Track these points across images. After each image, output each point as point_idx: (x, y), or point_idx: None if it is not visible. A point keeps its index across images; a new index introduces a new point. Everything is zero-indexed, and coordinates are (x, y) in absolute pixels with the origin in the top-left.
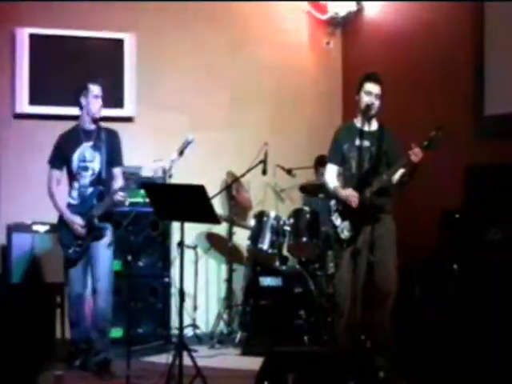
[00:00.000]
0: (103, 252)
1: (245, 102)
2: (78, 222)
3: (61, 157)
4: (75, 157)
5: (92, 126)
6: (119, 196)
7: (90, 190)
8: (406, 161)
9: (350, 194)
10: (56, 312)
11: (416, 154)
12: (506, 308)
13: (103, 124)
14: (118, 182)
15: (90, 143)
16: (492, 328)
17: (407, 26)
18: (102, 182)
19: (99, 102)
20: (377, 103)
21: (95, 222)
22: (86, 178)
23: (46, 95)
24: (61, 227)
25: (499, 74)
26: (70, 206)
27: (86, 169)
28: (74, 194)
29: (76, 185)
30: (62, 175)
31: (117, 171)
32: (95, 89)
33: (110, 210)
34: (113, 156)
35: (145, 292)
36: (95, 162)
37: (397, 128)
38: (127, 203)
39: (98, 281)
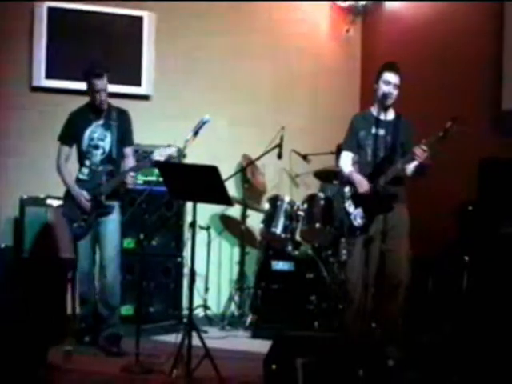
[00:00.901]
0: (110, 228)
1: (263, 87)
2: (84, 195)
3: (71, 134)
4: (86, 135)
5: (103, 100)
6: (129, 176)
7: (101, 168)
8: (410, 157)
9: (361, 181)
10: (67, 287)
11: (419, 154)
12: None
13: (115, 102)
14: (130, 162)
15: (101, 122)
16: (504, 320)
17: (427, 17)
18: (112, 160)
19: (102, 95)
20: (395, 93)
21: (102, 199)
22: (97, 156)
23: (63, 69)
24: (67, 202)
25: None
26: (79, 181)
27: (96, 147)
28: (85, 171)
29: (87, 162)
30: (71, 152)
31: (128, 151)
32: (97, 83)
33: (118, 188)
34: (124, 135)
35: (157, 271)
36: (106, 141)
37: (413, 118)
38: (134, 184)
39: (105, 257)
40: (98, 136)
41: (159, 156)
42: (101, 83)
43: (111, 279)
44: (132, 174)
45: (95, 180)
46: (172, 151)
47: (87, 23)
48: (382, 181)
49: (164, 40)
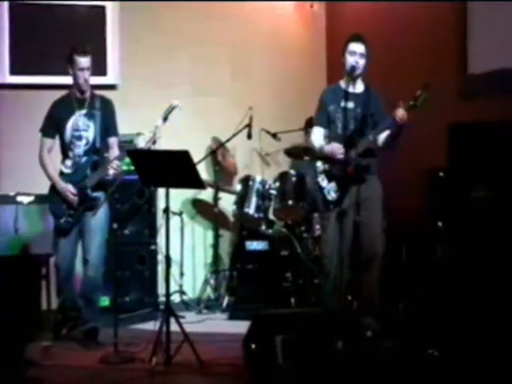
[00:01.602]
0: (96, 222)
1: (230, 66)
2: (70, 190)
3: (53, 125)
4: (68, 125)
5: (85, 94)
6: (114, 166)
7: (84, 159)
8: (390, 121)
9: (335, 147)
10: (41, 284)
11: (401, 116)
12: (492, 264)
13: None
14: (114, 153)
15: (84, 111)
16: (479, 285)
17: None
18: (96, 151)
19: (85, 74)
20: (361, 62)
21: (88, 192)
22: (80, 147)
23: (27, 65)
24: (52, 197)
25: (482, 31)
26: (62, 174)
27: (79, 138)
28: (68, 163)
29: (70, 154)
30: (53, 143)
31: (112, 141)
32: (81, 61)
33: (103, 179)
34: (107, 125)
35: (131, 260)
36: (89, 131)
37: (382, 90)
38: (121, 175)
39: (89, 251)
40: (82, 126)
41: (144, 143)
42: (85, 61)
43: (94, 275)
44: (117, 163)
45: (79, 172)
46: (151, 135)
47: (49, 16)
48: (354, 153)
49: (128, 28)
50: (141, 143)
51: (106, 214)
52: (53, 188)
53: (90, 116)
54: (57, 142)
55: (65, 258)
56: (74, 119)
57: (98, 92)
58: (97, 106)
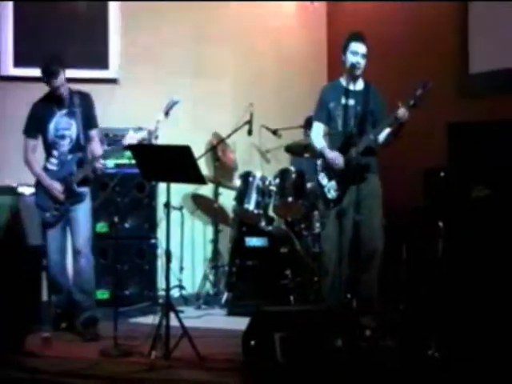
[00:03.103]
0: (82, 213)
1: (230, 63)
2: (56, 187)
3: (35, 127)
4: (51, 127)
5: (64, 94)
6: (99, 163)
7: (70, 156)
8: (392, 120)
9: (336, 157)
10: (42, 275)
11: (402, 115)
12: (492, 264)
13: (83, 87)
14: (95, 145)
15: (64, 111)
16: (478, 284)
17: None
18: (80, 148)
19: (61, 90)
20: (362, 62)
21: (74, 187)
22: (65, 146)
23: (30, 57)
24: (39, 191)
25: (483, 31)
26: (47, 170)
27: (63, 137)
28: (54, 161)
29: (55, 153)
30: (37, 143)
31: (93, 133)
32: (55, 82)
33: (88, 175)
34: (88, 119)
35: (131, 254)
36: (72, 130)
37: (383, 87)
38: (103, 171)
39: (78, 242)
40: (64, 126)
41: (130, 139)
42: (58, 81)
43: (85, 264)
44: (102, 161)
45: (65, 169)
46: (143, 134)
47: (53, 9)
48: (354, 152)
49: (131, 21)
50: (128, 140)
51: (90, 205)
52: (39, 183)
53: (70, 114)
54: (40, 141)
55: (54, 253)
56: (55, 120)
57: (96, 86)
58: (76, 103)
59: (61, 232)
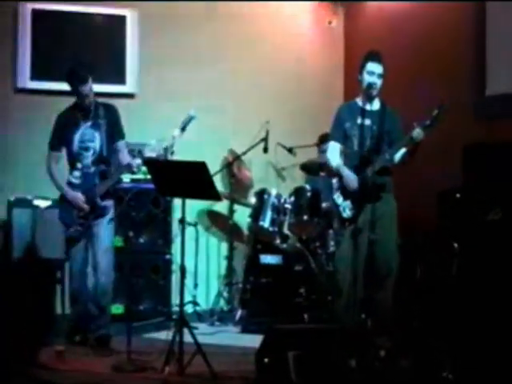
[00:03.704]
0: (104, 228)
1: (247, 81)
2: (80, 197)
3: (60, 140)
4: (75, 138)
5: (89, 106)
6: (134, 167)
7: (93, 169)
8: (407, 140)
9: (350, 176)
10: (56, 288)
11: (417, 134)
12: (507, 287)
13: (101, 100)
14: (123, 156)
15: (89, 123)
16: (493, 307)
17: (410, 4)
18: (103, 160)
19: (90, 97)
20: (379, 83)
21: (98, 201)
22: (88, 157)
23: (47, 71)
24: (62, 206)
25: (501, 53)
26: (71, 184)
27: (87, 149)
28: (77, 173)
29: (79, 165)
30: (61, 155)
31: (120, 145)
32: (84, 89)
33: (112, 187)
34: (113, 131)
35: (146, 269)
36: (96, 142)
37: (398, 106)
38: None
39: (98, 257)
40: (88, 138)
41: (150, 152)
42: (86, 88)
43: (104, 279)
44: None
45: (88, 182)
46: (160, 149)
47: (71, 23)
48: (370, 171)
49: (148, 37)
50: (147, 153)
51: (112, 221)
52: (62, 197)
53: (95, 126)
54: (64, 152)
55: (77, 267)
56: (80, 132)
57: (112, 101)
58: (101, 115)
59: (83, 245)
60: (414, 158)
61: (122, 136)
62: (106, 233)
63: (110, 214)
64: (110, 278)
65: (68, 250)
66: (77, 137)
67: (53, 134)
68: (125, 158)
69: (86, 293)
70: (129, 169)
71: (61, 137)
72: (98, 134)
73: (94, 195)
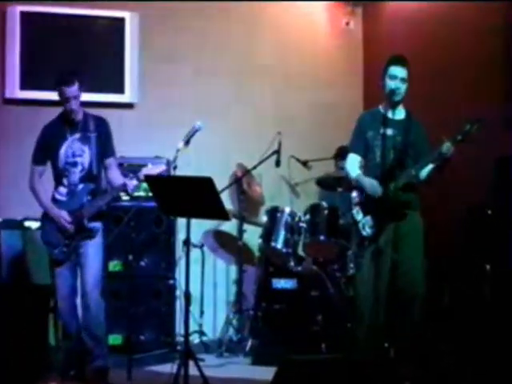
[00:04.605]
0: (93, 252)
1: (257, 88)
2: (64, 216)
3: (45, 153)
4: (61, 152)
5: (77, 117)
6: (130, 188)
7: (81, 186)
8: (435, 156)
9: (372, 183)
10: (49, 317)
11: (447, 149)
12: None
13: (97, 112)
14: (114, 173)
15: (77, 135)
16: None
17: (433, 5)
18: (93, 178)
19: (72, 104)
20: (403, 88)
21: (85, 222)
22: (76, 173)
23: (38, 79)
24: (45, 224)
25: None
26: (56, 201)
27: (74, 164)
28: (63, 190)
29: (65, 181)
30: (45, 169)
31: (110, 161)
32: (66, 91)
33: (102, 208)
34: (104, 147)
35: (147, 295)
36: (84, 157)
37: (421, 118)
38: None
39: (87, 284)
40: (76, 152)
41: (148, 172)
42: (70, 91)
43: (95, 308)
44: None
45: (75, 200)
46: (162, 168)
47: (64, 28)
48: (393, 187)
49: (148, 43)
50: (143, 174)
51: (101, 242)
52: (45, 215)
53: (84, 140)
54: (48, 166)
55: (62, 292)
56: (67, 145)
57: (111, 111)
58: (91, 128)
59: (70, 270)
60: (442, 176)
61: (112, 152)
62: (95, 257)
63: (98, 236)
64: (101, 306)
65: (52, 273)
66: (63, 151)
67: (37, 146)
68: (117, 177)
69: (77, 324)
70: (124, 190)
71: (45, 150)
72: (88, 149)
73: (82, 216)
